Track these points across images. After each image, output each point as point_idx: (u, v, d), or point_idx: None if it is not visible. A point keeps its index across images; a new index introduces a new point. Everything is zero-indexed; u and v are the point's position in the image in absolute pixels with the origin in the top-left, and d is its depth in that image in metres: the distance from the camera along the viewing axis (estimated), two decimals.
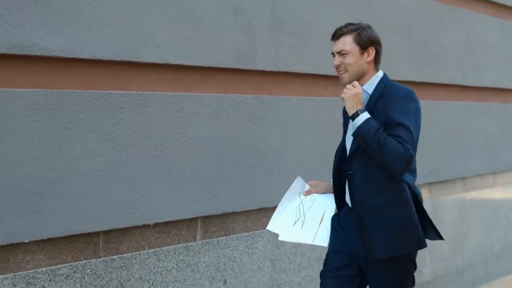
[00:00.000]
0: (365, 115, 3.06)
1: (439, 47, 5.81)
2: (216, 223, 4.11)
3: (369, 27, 3.25)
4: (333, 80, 4.35)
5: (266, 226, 3.87)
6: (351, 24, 3.25)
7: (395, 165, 3.01)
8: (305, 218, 3.35)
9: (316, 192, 3.47)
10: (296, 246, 4.52)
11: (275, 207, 4.16)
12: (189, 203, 3.90)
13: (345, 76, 3.20)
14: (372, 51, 3.21)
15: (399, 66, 5.38)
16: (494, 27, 6.52)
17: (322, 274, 3.33)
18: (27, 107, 3.20)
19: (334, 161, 3.36)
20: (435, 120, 5.72)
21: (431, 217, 3.26)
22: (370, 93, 3.19)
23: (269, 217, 3.54)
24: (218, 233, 4.13)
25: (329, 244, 3.33)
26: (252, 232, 4.30)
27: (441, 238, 3.24)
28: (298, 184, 3.44)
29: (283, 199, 3.41)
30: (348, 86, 3.13)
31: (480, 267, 6.49)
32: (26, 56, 3.20)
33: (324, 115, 4.66)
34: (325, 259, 3.35)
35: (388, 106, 3.09)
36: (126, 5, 3.55)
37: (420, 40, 5.60)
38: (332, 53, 3.26)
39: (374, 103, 3.16)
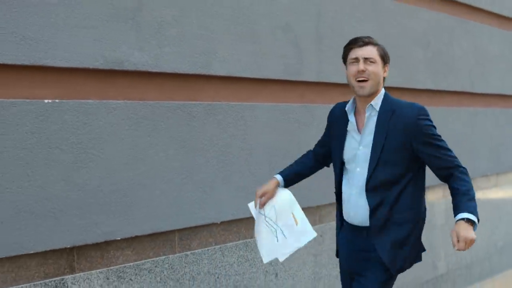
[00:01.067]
0: (471, 216, 3.08)
1: (451, 57, 6.23)
2: None
3: None
4: None
5: (313, 224, 4.25)
6: (369, 36, 3.31)
7: None
8: (281, 228, 3.38)
9: (269, 198, 3.46)
10: (334, 242, 4.89)
11: (317, 206, 4.59)
12: (248, 203, 4.25)
13: (367, 86, 3.18)
14: (387, 68, 3.28)
15: (418, 75, 5.79)
16: (497, 37, 6.97)
17: None
18: (119, 117, 3.53)
19: (337, 176, 3.39)
20: (449, 125, 6.14)
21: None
22: (378, 109, 3.23)
23: (311, 215, 4.03)
24: None
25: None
26: None
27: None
28: (253, 206, 3.47)
29: (255, 229, 3.45)
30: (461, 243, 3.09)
31: (486, 262, 6.94)
32: (118, 71, 3.53)
33: None
34: None
35: (409, 130, 3.14)
36: (199, 24, 3.89)
37: (436, 51, 6.02)
38: (356, 59, 3.20)
39: (386, 122, 3.18)
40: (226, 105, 4.10)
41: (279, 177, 3.52)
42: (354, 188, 3.28)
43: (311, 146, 4.70)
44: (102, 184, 3.46)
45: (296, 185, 4.46)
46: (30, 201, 3.17)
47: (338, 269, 4.93)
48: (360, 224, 3.30)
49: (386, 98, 3.27)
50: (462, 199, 3.14)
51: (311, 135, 4.68)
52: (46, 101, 3.22)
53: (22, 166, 3.14)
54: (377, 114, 3.24)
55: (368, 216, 3.24)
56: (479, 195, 6.66)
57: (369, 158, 3.22)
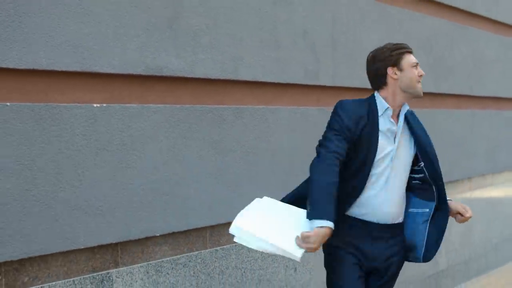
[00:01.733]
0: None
1: (452, 62, 6.51)
2: None
3: None
4: None
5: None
6: None
7: None
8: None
9: None
10: None
11: None
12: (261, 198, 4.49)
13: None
14: None
15: (422, 79, 6.05)
16: (493, 42, 7.27)
17: None
18: (158, 120, 3.75)
19: (362, 178, 3.36)
20: (449, 127, 6.42)
21: None
22: (405, 112, 3.42)
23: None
24: None
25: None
26: None
27: None
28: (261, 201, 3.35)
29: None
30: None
31: (482, 258, 7.24)
32: (157, 76, 3.75)
33: None
34: None
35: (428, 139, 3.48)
36: (229, 32, 4.12)
37: (438, 56, 6.29)
38: (417, 63, 3.44)
39: (419, 124, 3.45)
40: (252, 109, 4.32)
41: (332, 225, 3.08)
42: (390, 187, 3.37)
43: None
44: (143, 183, 3.67)
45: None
46: (80, 199, 3.38)
47: None
48: (393, 222, 3.42)
49: None
50: None
51: None
52: (95, 105, 3.42)
53: (74, 166, 3.34)
54: (404, 117, 3.42)
55: (402, 213, 3.45)
56: (476, 193, 6.96)
57: (411, 159, 3.43)
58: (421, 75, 3.46)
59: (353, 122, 3.34)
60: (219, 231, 4.19)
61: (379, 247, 3.41)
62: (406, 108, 3.46)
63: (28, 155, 3.16)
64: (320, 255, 4.84)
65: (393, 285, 3.55)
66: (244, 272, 4.33)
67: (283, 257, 4.61)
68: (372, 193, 3.39)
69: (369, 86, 5.20)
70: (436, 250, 3.52)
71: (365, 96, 5.19)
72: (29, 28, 3.14)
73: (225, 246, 4.20)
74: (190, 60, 3.89)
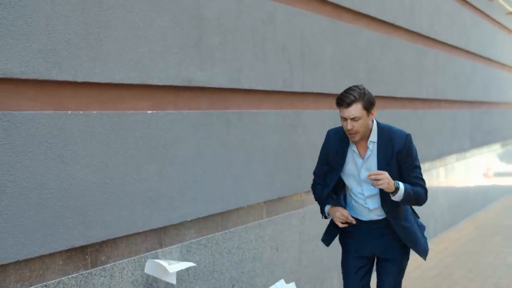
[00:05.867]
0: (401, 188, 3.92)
1: (381, 68, 7.51)
2: (274, 205, 5.52)
3: (365, 89, 3.93)
4: (332, 98, 5.91)
5: (298, 208, 5.42)
6: (354, 90, 3.88)
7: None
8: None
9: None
10: (313, 223, 6.00)
11: (300, 194, 5.67)
12: (256, 190, 5.28)
13: (357, 136, 3.93)
14: (373, 111, 3.94)
15: (362, 83, 7.00)
16: (411, 51, 8.35)
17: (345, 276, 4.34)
18: (188, 124, 4.45)
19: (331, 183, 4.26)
20: None
21: None
22: (376, 140, 4.01)
23: (296, 201, 5.26)
24: (273, 214, 5.53)
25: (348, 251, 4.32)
26: (289, 212, 5.75)
27: None
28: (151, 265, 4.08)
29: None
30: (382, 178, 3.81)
31: None
32: (187, 86, 4.45)
33: (329, 124, 6.18)
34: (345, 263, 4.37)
35: (400, 151, 4.01)
36: (234, 48, 4.87)
37: (372, 63, 7.27)
38: (344, 118, 3.88)
39: (387, 150, 3.99)
40: (249, 112, 5.09)
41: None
42: (360, 197, 4.18)
43: (300, 144, 5.78)
44: (178, 177, 4.37)
45: (283, 177, 5.54)
46: (139, 191, 4.04)
47: (315, 242, 6.06)
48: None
49: (380, 128, 4.07)
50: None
51: (298, 134, 5.78)
52: (148, 111, 4.10)
53: (135, 163, 4.01)
54: (376, 144, 4.03)
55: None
56: None
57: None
58: (347, 129, 3.91)
59: (326, 149, 4.39)
60: (226, 217, 4.94)
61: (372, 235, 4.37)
62: (370, 141, 4.04)
63: (106, 155, 3.80)
64: (293, 238, 5.67)
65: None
66: (243, 251, 5.10)
67: (269, 238, 5.42)
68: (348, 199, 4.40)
69: (327, 91, 6.10)
70: None
71: (322, 99, 6.08)
72: (107, 48, 3.78)
73: (231, 229, 4.96)
74: (209, 72, 4.61)
